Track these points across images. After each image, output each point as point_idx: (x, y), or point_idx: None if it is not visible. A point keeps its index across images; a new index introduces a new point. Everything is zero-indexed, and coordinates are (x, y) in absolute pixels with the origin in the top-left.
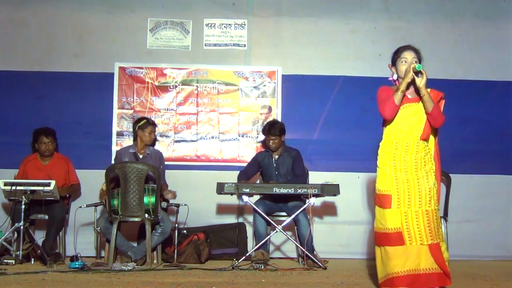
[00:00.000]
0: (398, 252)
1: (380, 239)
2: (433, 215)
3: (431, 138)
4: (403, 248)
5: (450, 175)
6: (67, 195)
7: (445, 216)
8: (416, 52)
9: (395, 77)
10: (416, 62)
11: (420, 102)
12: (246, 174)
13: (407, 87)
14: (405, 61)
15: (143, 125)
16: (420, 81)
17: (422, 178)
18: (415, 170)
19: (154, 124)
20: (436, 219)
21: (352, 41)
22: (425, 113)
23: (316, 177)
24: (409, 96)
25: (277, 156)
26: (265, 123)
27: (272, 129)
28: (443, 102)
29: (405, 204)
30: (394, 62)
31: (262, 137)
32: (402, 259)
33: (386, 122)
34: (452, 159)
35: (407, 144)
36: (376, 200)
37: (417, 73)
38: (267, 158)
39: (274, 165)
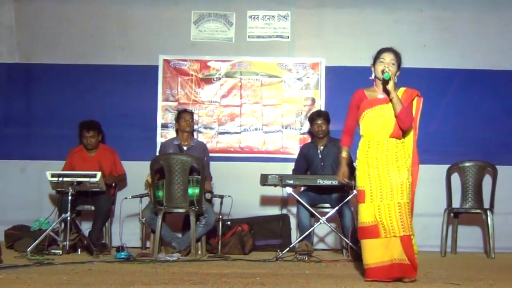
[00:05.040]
0: (375, 245)
1: (360, 233)
2: (405, 208)
3: (410, 135)
4: (377, 241)
5: (497, 166)
6: (113, 185)
7: (491, 208)
8: (396, 55)
9: (373, 76)
10: (393, 64)
11: (390, 102)
12: (299, 171)
13: (374, 88)
14: (382, 62)
15: (178, 116)
16: (390, 84)
17: (393, 172)
18: (386, 166)
19: (186, 111)
20: (407, 212)
21: (396, 32)
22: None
23: None
24: (380, 97)
25: (322, 147)
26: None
27: (320, 113)
28: (421, 99)
29: (377, 198)
30: (374, 62)
31: (305, 128)
32: (377, 252)
33: (361, 124)
34: (498, 151)
35: (377, 143)
36: (356, 196)
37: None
38: (312, 150)
39: (320, 156)
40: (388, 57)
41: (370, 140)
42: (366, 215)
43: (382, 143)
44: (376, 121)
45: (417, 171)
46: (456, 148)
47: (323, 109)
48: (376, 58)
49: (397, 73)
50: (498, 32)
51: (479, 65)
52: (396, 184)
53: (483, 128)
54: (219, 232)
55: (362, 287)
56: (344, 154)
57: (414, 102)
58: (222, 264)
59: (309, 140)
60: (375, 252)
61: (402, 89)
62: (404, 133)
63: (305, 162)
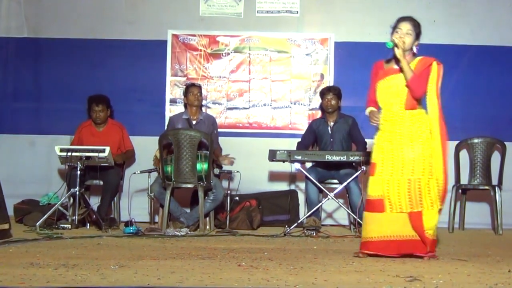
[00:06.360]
0: (377, 218)
1: (366, 205)
2: (415, 185)
3: (434, 105)
4: (382, 215)
5: (505, 143)
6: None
7: (499, 184)
8: (415, 24)
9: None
10: (410, 34)
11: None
12: (303, 144)
13: (393, 59)
14: (398, 32)
15: (186, 91)
16: (397, 52)
17: (407, 147)
18: (399, 140)
19: (194, 85)
20: (418, 188)
21: (406, 7)
22: None
23: (368, 144)
24: (395, 67)
25: (332, 123)
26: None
27: (331, 88)
28: (441, 66)
29: (387, 172)
30: (392, 32)
31: (314, 104)
32: (379, 225)
33: (377, 96)
34: (507, 127)
35: (392, 115)
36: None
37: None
38: (322, 125)
39: (329, 132)
40: (405, 27)
41: (386, 113)
42: (373, 188)
43: (397, 115)
44: (389, 91)
45: (445, 143)
46: (465, 124)
47: (332, 84)
48: (394, 27)
49: (416, 43)
50: (509, 7)
51: (489, 41)
52: (408, 160)
53: (492, 104)
54: (227, 207)
55: (370, 263)
56: (369, 108)
57: (434, 70)
58: (230, 239)
59: (319, 116)
60: (377, 225)
61: (418, 58)
62: (420, 102)
63: (313, 137)
